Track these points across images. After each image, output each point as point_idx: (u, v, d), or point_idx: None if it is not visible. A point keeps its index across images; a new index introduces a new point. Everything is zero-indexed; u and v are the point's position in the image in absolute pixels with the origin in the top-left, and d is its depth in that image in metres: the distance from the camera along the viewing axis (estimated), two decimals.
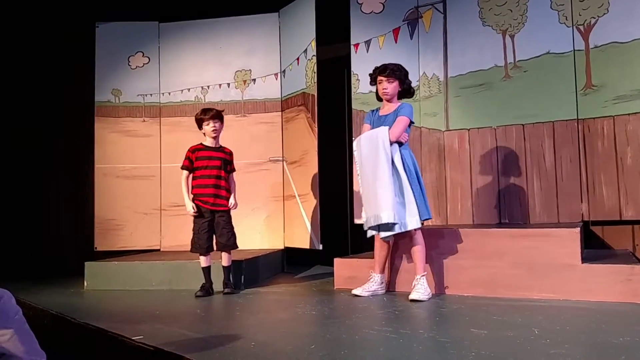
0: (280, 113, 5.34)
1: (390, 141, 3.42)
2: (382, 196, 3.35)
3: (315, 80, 4.74)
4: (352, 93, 4.85)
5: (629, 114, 3.93)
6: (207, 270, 3.88)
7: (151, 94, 5.56)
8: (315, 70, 4.73)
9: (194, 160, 3.90)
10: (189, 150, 3.95)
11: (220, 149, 3.98)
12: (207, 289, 3.81)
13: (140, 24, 5.59)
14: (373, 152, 3.43)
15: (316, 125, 4.72)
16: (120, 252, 5.17)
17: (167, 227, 5.39)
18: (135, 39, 5.56)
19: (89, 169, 5.43)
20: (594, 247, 4.07)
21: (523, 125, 4.31)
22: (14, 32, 5.80)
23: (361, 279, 3.70)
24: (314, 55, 4.77)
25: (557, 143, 4.19)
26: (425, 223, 4.48)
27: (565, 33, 4.18)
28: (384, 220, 3.34)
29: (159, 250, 5.36)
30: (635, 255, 3.91)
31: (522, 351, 2.10)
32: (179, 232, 5.35)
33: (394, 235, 3.45)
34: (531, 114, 4.27)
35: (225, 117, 5.39)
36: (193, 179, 3.92)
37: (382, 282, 3.65)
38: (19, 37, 5.82)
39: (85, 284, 4.35)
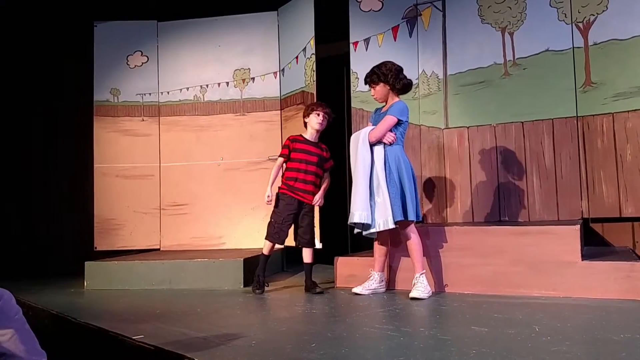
0: (279, 112, 5.33)
1: (370, 141, 3.44)
2: (356, 195, 3.43)
3: (315, 79, 4.73)
4: (352, 91, 4.85)
5: (628, 111, 3.93)
6: (266, 260, 3.85)
7: (150, 93, 5.55)
8: (315, 68, 4.73)
9: (291, 150, 3.87)
10: (288, 139, 3.94)
11: (318, 144, 3.92)
12: (262, 283, 3.81)
13: (139, 23, 5.58)
14: (354, 151, 3.52)
15: None
16: (119, 252, 5.17)
17: (166, 227, 5.39)
18: (134, 38, 5.55)
19: (88, 168, 5.42)
20: (594, 245, 4.07)
21: (522, 122, 4.31)
22: (13, 31, 5.78)
23: (361, 277, 3.70)
24: (313, 54, 4.77)
25: (557, 140, 4.19)
26: (427, 221, 4.50)
27: (565, 30, 4.18)
28: (356, 220, 3.42)
29: (158, 249, 5.35)
30: (635, 252, 3.91)
31: (523, 348, 2.10)
32: (179, 232, 5.36)
33: (388, 232, 3.49)
34: (530, 112, 4.27)
35: (224, 116, 5.49)
36: (287, 169, 3.89)
37: (382, 281, 3.65)
38: (17, 37, 5.81)
39: (85, 283, 4.34)
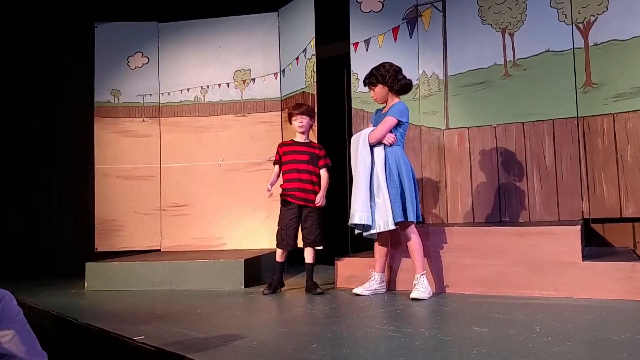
0: (279, 112, 5.33)
1: (370, 142, 3.44)
2: (356, 196, 3.44)
3: (315, 80, 4.73)
4: (352, 92, 4.85)
5: (628, 112, 3.93)
6: (281, 266, 3.90)
7: (150, 94, 5.55)
8: (315, 69, 4.73)
9: (281, 155, 3.94)
10: (278, 145, 4.04)
11: (309, 144, 3.96)
12: (275, 286, 3.83)
13: (140, 24, 5.58)
14: (354, 152, 3.53)
15: (316, 125, 4.71)
16: (120, 253, 5.17)
17: (167, 228, 5.39)
18: (135, 39, 5.55)
19: (89, 169, 5.42)
20: (595, 245, 4.07)
21: (523, 123, 4.31)
22: (14, 32, 5.79)
23: (362, 278, 3.70)
24: (313, 55, 4.77)
25: (557, 141, 4.19)
26: (427, 222, 4.49)
27: (565, 31, 4.18)
28: (356, 221, 3.43)
29: (159, 250, 5.35)
30: (636, 252, 3.91)
31: (524, 349, 2.10)
32: (179, 233, 5.36)
33: (389, 233, 3.49)
34: (531, 112, 4.27)
35: (225, 117, 5.49)
36: (282, 174, 3.95)
37: (383, 281, 3.65)
38: (18, 38, 5.81)
39: (86, 284, 4.34)
